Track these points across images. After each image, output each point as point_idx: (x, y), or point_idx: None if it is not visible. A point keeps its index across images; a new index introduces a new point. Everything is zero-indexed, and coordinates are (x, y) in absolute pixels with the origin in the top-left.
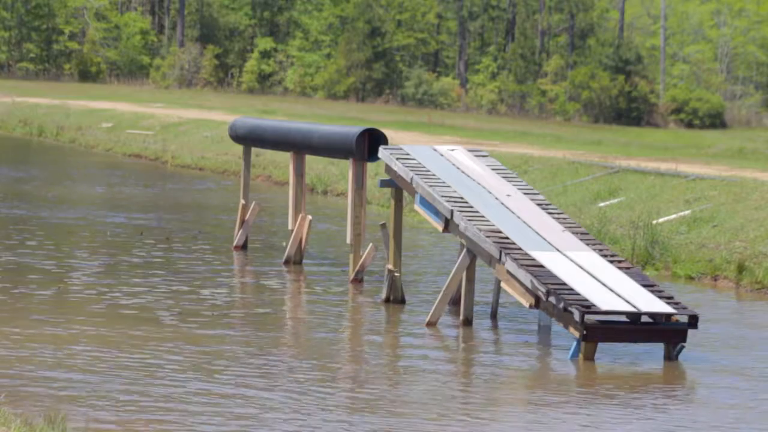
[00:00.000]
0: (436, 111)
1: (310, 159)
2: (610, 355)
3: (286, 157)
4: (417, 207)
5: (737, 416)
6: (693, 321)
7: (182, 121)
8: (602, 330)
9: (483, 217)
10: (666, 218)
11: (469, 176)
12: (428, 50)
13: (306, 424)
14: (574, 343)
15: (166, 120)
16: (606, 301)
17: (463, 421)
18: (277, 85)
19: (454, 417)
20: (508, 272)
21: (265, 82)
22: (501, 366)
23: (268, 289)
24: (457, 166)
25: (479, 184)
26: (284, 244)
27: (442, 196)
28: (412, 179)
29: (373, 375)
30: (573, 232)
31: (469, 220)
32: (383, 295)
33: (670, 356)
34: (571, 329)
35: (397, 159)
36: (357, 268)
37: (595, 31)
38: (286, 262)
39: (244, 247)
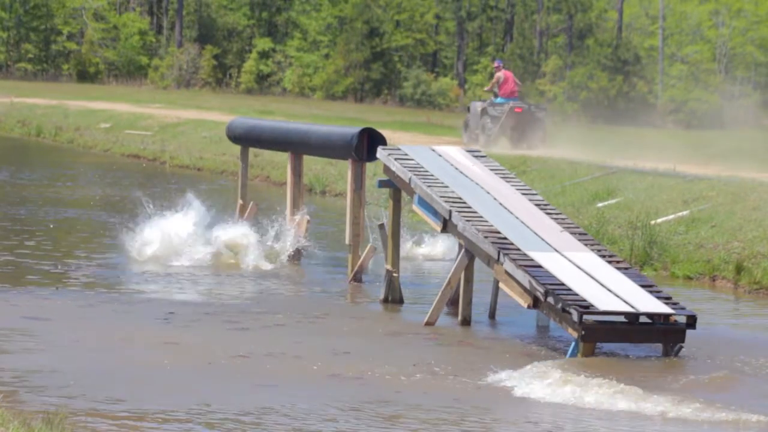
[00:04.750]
0: (435, 111)
1: (308, 159)
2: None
3: (284, 158)
4: (415, 207)
5: None
6: (691, 321)
7: (181, 121)
8: (600, 330)
9: (481, 217)
10: (664, 218)
11: (467, 176)
12: (427, 51)
13: (306, 425)
14: (573, 343)
15: (164, 120)
16: (604, 301)
17: (462, 421)
18: (276, 85)
19: (453, 416)
20: (506, 272)
21: (263, 83)
22: (499, 366)
23: (266, 289)
24: (456, 166)
25: (477, 184)
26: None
27: (441, 197)
28: (410, 179)
29: (371, 375)
30: (571, 233)
31: (467, 220)
32: (381, 295)
33: (668, 356)
34: (570, 329)
35: (396, 159)
36: (356, 268)
37: (594, 32)
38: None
39: None
